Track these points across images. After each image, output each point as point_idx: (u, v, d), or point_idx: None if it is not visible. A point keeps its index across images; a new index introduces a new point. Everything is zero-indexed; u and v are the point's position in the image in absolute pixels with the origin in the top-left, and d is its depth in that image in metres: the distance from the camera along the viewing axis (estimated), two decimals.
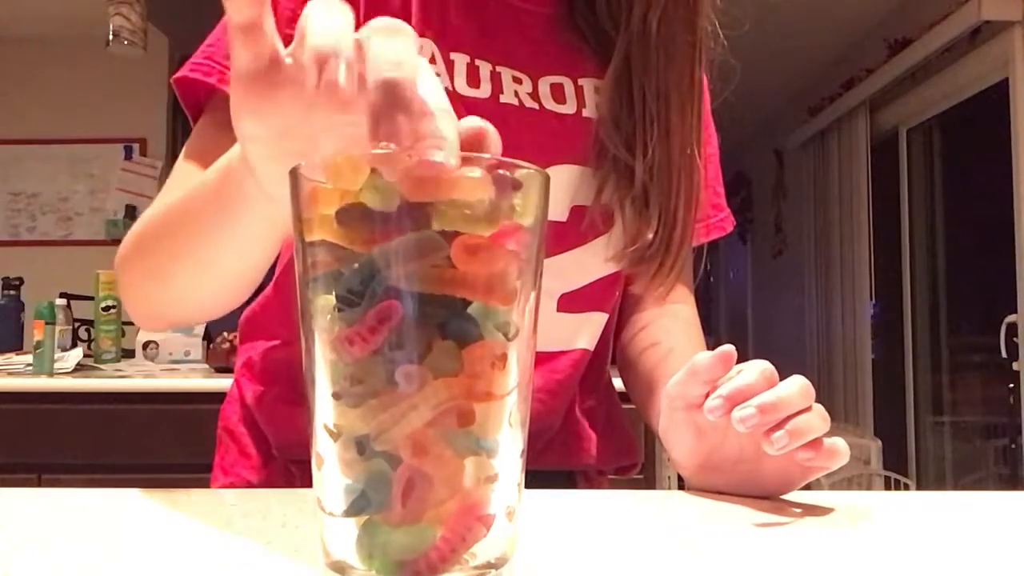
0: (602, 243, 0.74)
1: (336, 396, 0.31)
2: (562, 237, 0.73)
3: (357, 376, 0.30)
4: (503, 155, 0.75)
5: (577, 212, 0.73)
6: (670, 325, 0.78)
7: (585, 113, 0.73)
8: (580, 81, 0.74)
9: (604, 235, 0.74)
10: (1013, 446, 3.00)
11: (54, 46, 3.96)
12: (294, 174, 0.33)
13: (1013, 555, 0.42)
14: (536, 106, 0.72)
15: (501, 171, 0.31)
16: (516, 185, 0.32)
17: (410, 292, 0.30)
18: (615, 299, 0.79)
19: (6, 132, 3.96)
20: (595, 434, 0.80)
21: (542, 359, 0.74)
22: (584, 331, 0.77)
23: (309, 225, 0.32)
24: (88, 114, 3.98)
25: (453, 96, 0.69)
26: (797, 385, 0.50)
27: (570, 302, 0.75)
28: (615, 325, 0.83)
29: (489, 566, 0.32)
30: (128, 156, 4.01)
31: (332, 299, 0.31)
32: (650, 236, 0.72)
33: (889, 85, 3.56)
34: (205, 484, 0.80)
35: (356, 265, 0.30)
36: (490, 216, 0.31)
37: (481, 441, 0.31)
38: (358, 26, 0.66)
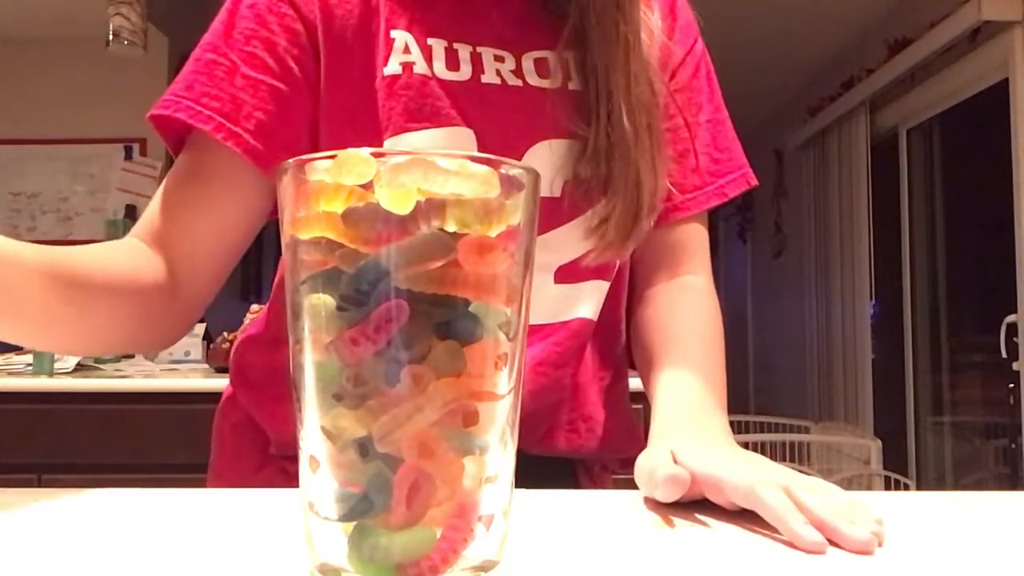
0: (590, 216, 0.72)
1: (337, 397, 0.30)
2: (556, 212, 0.71)
3: (361, 377, 0.30)
4: (491, 134, 0.69)
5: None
6: (677, 298, 0.77)
7: (571, 86, 0.72)
8: (565, 54, 0.72)
9: (592, 208, 0.72)
10: (1013, 446, 3.00)
11: (54, 46, 3.96)
12: (284, 170, 0.32)
13: (1013, 555, 0.42)
14: (520, 83, 0.70)
15: (504, 171, 0.31)
16: (519, 185, 0.31)
17: (415, 292, 0.29)
18: (614, 266, 0.78)
19: (6, 132, 3.97)
20: (604, 413, 0.79)
21: (542, 331, 0.73)
22: (583, 300, 0.75)
23: (303, 223, 0.31)
24: (88, 114, 3.98)
25: (433, 80, 0.67)
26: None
27: (567, 273, 0.74)
28: (627, 300, 0.82)
29: (479, 568, 0.32)
30: (128, 156, 4.01)
31: (326, 299, 0.30)
32: (606, 210, 0.70)
33: (889, 85, 3.56)
34: (204, 484, 0.80)
35: (363, 264, 0.29)
36: (499, 216, 0.30)
37: (479, 441, 0.31)
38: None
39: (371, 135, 0.67)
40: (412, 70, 0.67)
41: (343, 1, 0.69)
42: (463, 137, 0.68)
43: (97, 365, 2.31)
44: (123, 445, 1.94)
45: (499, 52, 0.70)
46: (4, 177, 4.03)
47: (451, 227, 0.29)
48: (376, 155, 0.30)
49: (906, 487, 3.07)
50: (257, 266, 5.52)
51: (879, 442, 3.19)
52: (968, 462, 3.53)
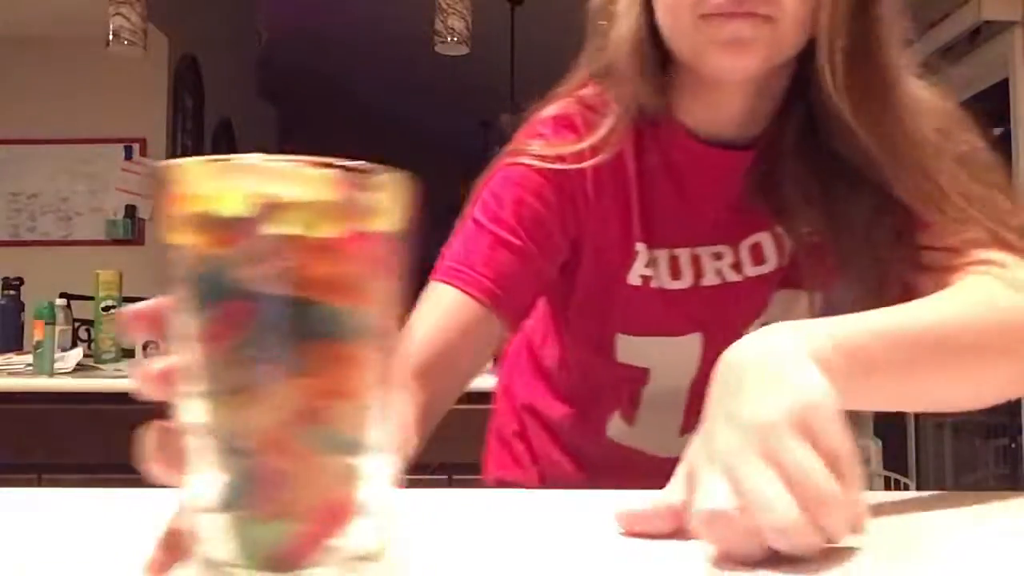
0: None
1: (200, 395, 0.32)
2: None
3: (215, 376, 0.31)
4: (716, 326, 0.76)
5: None
6: None
7: (785, 258, 0.75)
8: (778, 229, 0.74)
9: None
10: (1013, 446, 3.00)
11: (54, 46, 3.96)
12: (156, 172, 0.34)
13: (1013, 555, 0.42)
14: (739, 277, 0.75)
15: (347, 172, 0.32)
16: (365, 187, 0.32)
17: (263, 293, 0.31)
18: None
19: (6, 132, 3.97)
20: None
21: None
22: None
23: (167, 226, 0.33)
24: (88, 114, 3.98)
25: (660, 293, 0.74)
26: None
27: None
28: None
29: (364, 558, 0.33)
30: (128, 156, 4.01)
31: (187, 299, 0.32)
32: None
33: None
34: None
35: (211, 267, 0.31)
36: (336, 217, 0.31)
37: (341, 438, 0.32)
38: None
39: (607, 325, 0.77)
40: (649, 284, 0.74)
41: (606, 204, 0.72)
42: (693, 342, 0.76)
43: (97, 365, 2.31)
44: (123, 445, 1.94)
45: (717, 248, 0.74)
46: (4, 177, 4.03)
47: (292, 229, 0.31)
48: (218, 161, 0.31)
49: (906, 487, 3.07)
50: None
51: (879, 442, 3.19)
52: (968, 462, 3.53)
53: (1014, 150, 2.84)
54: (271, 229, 0.31)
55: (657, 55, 0.67)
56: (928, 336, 0.51)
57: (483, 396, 0.86)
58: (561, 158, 0.70)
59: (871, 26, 0.64)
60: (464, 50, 3.08)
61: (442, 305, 0.68)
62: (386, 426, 0.33)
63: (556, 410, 0.85)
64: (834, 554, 0.41)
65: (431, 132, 7.33)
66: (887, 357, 0.49)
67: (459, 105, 6.42)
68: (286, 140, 6.24)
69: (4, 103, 3.98)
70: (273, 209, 0.31)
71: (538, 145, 0.71)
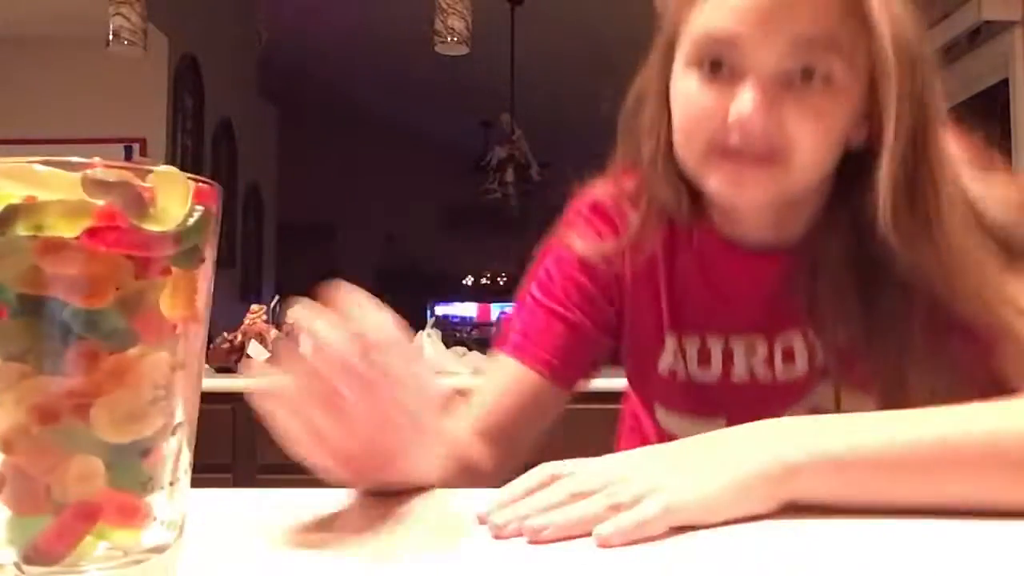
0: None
1: None
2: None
3: None
4: (741, 417, 0.68)
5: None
6: None
7: (816, 364, 0.73)
8: (810, 334, 0.72)
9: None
10: None
11: (54, 46, 3.96)
12: None
13: (1013, 555, 0.42)
14: (770, 378, 0.73)
15: (100, 172, 0.32)
16: (104, 187, 0.32)
17: (9, 292, 0.31)
18: None
19: (6, 132, 3.97)
20: None
21: None
22: None
23: None
24: (88, 114, 3.98)
25: (692, 384, 0.75)
26: None
27: None
28: None
29: (148, 552, 0.34)
30: (128, 156, 4.01)
31: None
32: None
33: None
34: (205, 484, 0.80)
35: None
36: (78, 217, 0.31)
37: (94, 439, 0.32)
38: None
39: (646, 394, 0.81)
40: (676, 377, 0.77)
41: (640, 292, 0.76)
42: (717, 424, 0.75)
43: None
44: None
45: (751, 340, 0.73)
46: None
47: (27, 230, 0.31)
48: None
49: None
50: (257, 266, 5.53)
51: None
52: None
53: (1014, 150, 2.84)
54: (12, 230, 0.31)
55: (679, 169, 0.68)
56: (918, 450, 0.49)
57: None
58: (604, 258, 0.75)
59: (929, 168, 0.63)
60: (464, 50, 3.08)
61: (503, 376, 0.76)
62: (168, 429, 0.34)
63: (650, 431, 0.85)
64: (832, 554, 0.42)
65: (431, 132, 7.34)
66: (866, 463, 0.48)
67: (459, 105, 6.42)
68: (286, 140, 6.24)
69: (4, 103, 3.98)
70: (14, 210, 0.31)
71: (581, 236, 0.77)
